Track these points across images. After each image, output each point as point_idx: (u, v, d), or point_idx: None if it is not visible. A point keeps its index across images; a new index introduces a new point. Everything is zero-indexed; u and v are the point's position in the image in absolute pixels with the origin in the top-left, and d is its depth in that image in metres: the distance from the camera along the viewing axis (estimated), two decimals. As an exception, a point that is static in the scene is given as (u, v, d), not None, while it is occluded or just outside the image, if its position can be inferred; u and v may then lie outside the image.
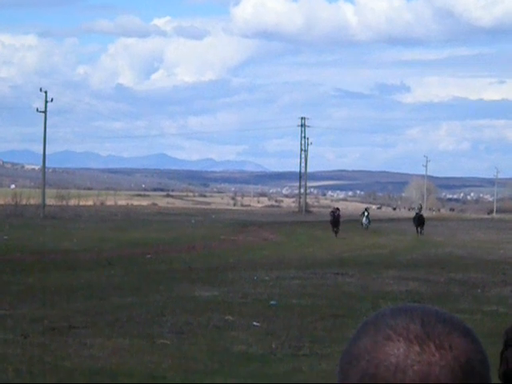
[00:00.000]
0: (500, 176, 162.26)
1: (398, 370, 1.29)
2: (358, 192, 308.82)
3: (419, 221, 50.96)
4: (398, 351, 1.30)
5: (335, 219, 48.72)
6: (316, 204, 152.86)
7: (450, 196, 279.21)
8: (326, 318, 14.60)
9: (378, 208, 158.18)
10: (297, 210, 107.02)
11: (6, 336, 11.98)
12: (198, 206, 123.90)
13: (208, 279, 21.16)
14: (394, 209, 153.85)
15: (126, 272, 22.96)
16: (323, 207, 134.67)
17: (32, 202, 70.73)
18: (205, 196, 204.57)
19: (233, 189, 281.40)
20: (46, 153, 69.55)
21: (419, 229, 50.17)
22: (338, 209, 53.44)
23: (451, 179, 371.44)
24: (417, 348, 1.30)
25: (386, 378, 1.29)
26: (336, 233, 47.13)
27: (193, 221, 63.41)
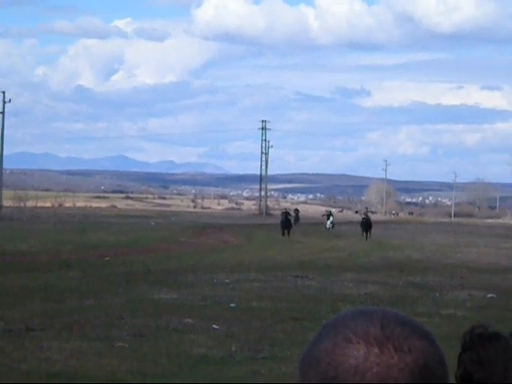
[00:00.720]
0: (458, 180, 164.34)
1: (358, 372, 1.30)
2: (319, 195, 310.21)
3: (366, 225, 48.59)
4: (357, 353, 1.30)
5: (287, 221, 46.63)
6: (276, 207, 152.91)
7: (409, 200, 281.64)
8: (285, 320, 14.63)
9: (340, 211, 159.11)
10: (257, 212, 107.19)
11: (-38, 339, 11.82)
12: (158, 208, 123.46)
13: (167, 282, 21.09)
14: (356, 212, 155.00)
15: (84, 274, 22.79)
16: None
17: (-10, 203, 69.86)
18: (165, 198, 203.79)
19: (193, 191, 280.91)
20: (4, 154, 68.96)
21: (366, 233, 47.77)
22: (297, 210, 53.07)
23: (410, 183, 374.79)
24: (376, 350, 1.31)
25: (345, 379, 1.30)
26: (287, 234, 45.46)
27: (152, 223, 63.15)
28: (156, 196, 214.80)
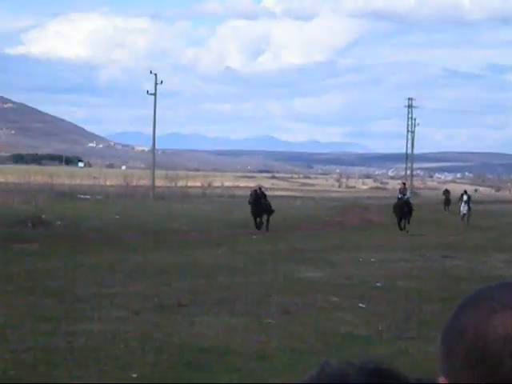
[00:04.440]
0: None
1: (508, 342, 1.27)
2: (467, 174, 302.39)
3: (402, 210, 33.57)
4: (505, 322, 1.27)
5: (257, 203, 31.34)
6: (422, 186, 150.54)
7: None
8: (433, 301, 14.45)
9: (497, 191, 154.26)
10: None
11: (119, 313, 12.36)
12: (303, 188, 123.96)
13: (313, 260, 21.25)
14: None
15: (232, 252, 23.30)
16: (430, 189, 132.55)
17: (142, 182, 72.33)
18: (309, 178, 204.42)
19: (338, 170, 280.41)
20: (156, 134, 70.82)
21: (403, 221, 33.73)
22: (447, 191, 36.38)
23: None
24: None
25: (495, 350, 1.27)
26: (261, 223, 31.18)
27: (297, 202, 63.54)
28: (301, 176, 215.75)
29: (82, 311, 12.43)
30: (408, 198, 34.32)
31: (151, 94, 69.65)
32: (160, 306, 13.15)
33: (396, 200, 34.29)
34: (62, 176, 77.35)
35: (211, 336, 10.82)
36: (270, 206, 32.33)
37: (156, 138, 70.90)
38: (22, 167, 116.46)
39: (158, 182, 72.13)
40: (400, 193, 34.87)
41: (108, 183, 73.82)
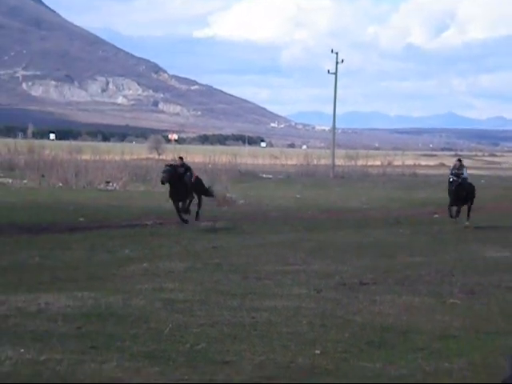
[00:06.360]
0: None
1: None
2: None
3: (459, 193, 24.58)
4: None
5: (179, 185, 22.90)
6: None
7: None
8: None
9: None
10: None
11: (300, 290, 12.54)
12: (488, 166, 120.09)
13: (498, 240, 20.60)
14: None
15: (413, 231, 22.99)
16: None
17: (322, 162, 72.64)
18: (495, 155, 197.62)
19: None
20: (336, 113, 70.77)
21: (459, 207, 24.59)
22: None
23: None
24: None
25: None
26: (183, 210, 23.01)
27: (482, 181, 61.67)
28: (486, 153, 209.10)
29: (266, 288, 12.70)
30: (465, 179, 25.03)
31: (332, 73, 69.54)
32: (341, 284, 13.22)
33: (450, 181, 24.93)
34: (245, 156, 79.16)
35: (393, 315, 10.76)
36: (203, 185, 24.55)
37: (336, 116, 70.89)
38: (208, 147, 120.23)
39: (338, 161, 72.21)
40: (454, 172, 25.18)
41: (289, 162, 74.71)
